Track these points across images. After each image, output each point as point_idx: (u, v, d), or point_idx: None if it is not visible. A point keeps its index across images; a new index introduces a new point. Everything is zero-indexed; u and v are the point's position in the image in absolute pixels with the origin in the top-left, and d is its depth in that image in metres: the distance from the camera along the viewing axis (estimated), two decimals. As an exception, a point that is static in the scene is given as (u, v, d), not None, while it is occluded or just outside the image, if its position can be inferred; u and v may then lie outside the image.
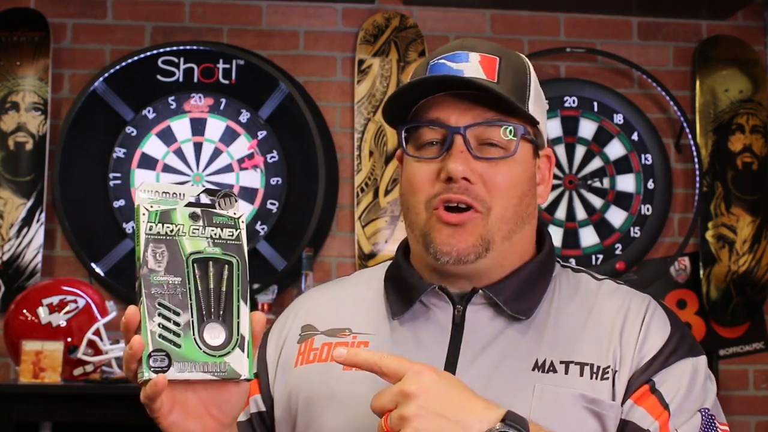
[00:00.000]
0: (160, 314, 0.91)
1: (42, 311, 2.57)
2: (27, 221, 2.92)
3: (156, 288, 0.92)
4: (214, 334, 0.92)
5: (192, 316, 0.92)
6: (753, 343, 3.11)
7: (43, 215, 2.93)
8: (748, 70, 3.18)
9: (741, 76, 3.18)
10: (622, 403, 1.05)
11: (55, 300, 2.59)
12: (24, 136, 2.96)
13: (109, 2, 3.09)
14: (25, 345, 2.51)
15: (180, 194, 0.97)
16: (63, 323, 2.57)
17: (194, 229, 0.95)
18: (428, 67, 1.13)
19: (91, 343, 2.55)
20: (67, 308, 2.58)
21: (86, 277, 2.92)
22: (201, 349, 0.91)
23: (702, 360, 1.09)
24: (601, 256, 3.08)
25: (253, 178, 3.01)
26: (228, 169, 3.01)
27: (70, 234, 2.93)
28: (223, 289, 0.94)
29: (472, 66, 1.10)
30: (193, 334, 0.91)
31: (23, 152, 2.96)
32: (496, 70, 1.10)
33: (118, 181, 2.98)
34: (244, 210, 0.99)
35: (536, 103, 1.13)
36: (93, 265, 2.92)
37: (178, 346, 0.90)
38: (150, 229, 0.93)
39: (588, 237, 3.09)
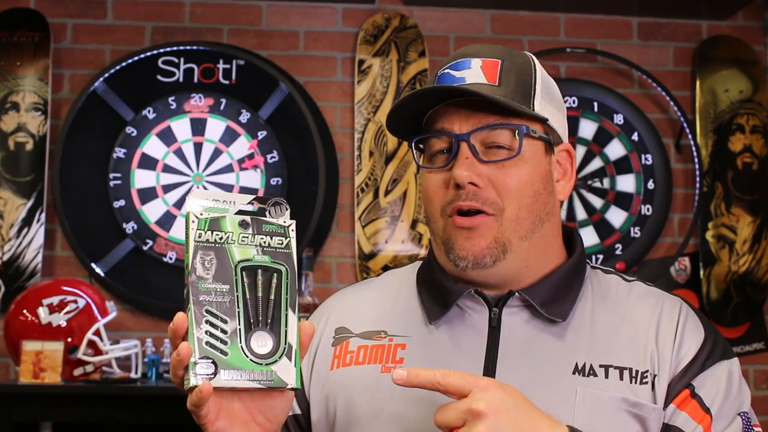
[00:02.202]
0: (207, 321, 0.90)
1: (42, 311, 2.57)
2: (27, 221, 2.92)
3: (204, 295, 0.91)
4: (262, 343, 0.92)
5: (239, 324, 0.91)
6: (753, 343, 3.11)
7: (43, 215, 2.93)
8: (748, 70, 3.19)
9: (741, 76, 3.18)
10: (664, 407, 1.06)
11: (55, 300, 2.59)
12: (24, 136, 2.96)
13: (109, 2, 3.09)
14: (25, 345, 2.51)
15: (231, 201, 0.96)
16: (63, 323, 2.57)
17: (243, 236, 0.94)
18: (436, 78, 1.15)
19: (92, 344, 2.55)
20: (67, 308, 2.58)
21: (86, 277, 2.92)
22: (248, 357, 0.91)
23: (735, 362, 1.11)
24: (601, 257, 3.08)
25: (253, 179, 3.01)
26: (228, 169, 3.01)
27: (70, 234, 2.93)
28: (272, 297, 0.94)
29: (473, 72, 1.12)
30: (240, 342, 0.91)
31: (23, 152, 2.96)
32: (497, 72, 1.12)
33: (118, 182, 2.97)
34: (294, 219, 0.99)
35: (545, 100, 1.14)
36: (93, 265, 2.92)
37: (225, 353, 0.90)
38: (199, 237, 0.93)
39: (588, 237, 3.09)
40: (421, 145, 1.16)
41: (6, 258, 2.90)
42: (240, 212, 0.96)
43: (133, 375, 2.59)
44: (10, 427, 2.46)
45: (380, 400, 1.10)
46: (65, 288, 2.64)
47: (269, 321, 0.93)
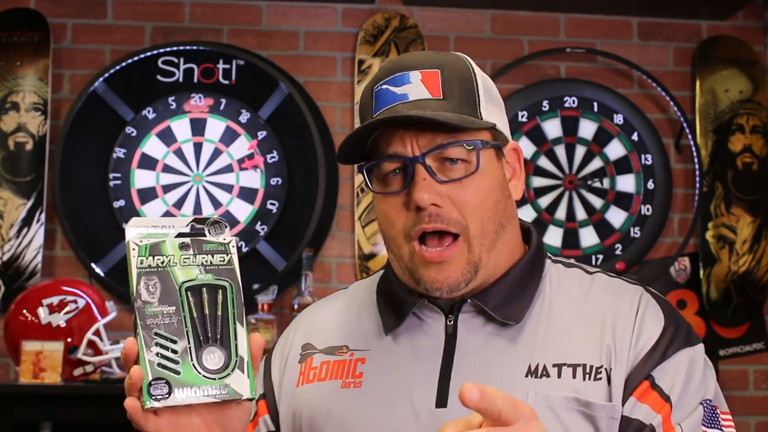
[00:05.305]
0: (157, 344, 0.93)
1: (42, 311, 2.57)
2: (27, 221, 2.92)
3: (151, 319, 0.93)
4: (213, 358, 0.94)
5: (189, 343, 0.94)
6: (753, 343, 3.11)
7: (43, 215, 2.92)
8: (748, 70, 3.18)
9: (741, 76, 3.18)
10: (624, 400, 1.04)
11: (55, 300, 2.58)
12: (24, 137, 2.96)
13: (109, 2, 3.09)
14: (25, 345, 2.51)
15: (169, 226, 0.99)
16: (63, 323, 2.57)
17: (185, 258, 0.97)
18: (373, 95, 1.12)
19: (91, 344, 2.55)
20: (67, 308, 2.58)
21: (86, 277, 2.92)
22: (200, 373, 0.93)
23: (699, 349, 1.09)
24: (601, 257, 3.08)
25: (253, 179, 3.01)
26: (228, 169, 3.01)
27: (70, 234, 2.93)
28: (219, 313, 0.96)
29: (414, 87, 1.09)
30: (192, 360, 0.93)
31: (23, 152, 2.96)
32: (439, 84, 1.09)
33: (118, 182, 2.98)
34: (233, 236, 1.00)
35: (489, 104, 1.12)
36: (93, 265, 2.92)
37: (178, 372, 0.92)
38: (141, 263, 0.95)
39: (588, 237, 3.09)
40: (368, 172, 1.13)
41: (6, 258, 2.90)
42: (180, 235, 0.98)
43: (133, 375, 2.59)
44: (10, 427, 2.46)
45: (341, 415, 1.11)
46: (65, 288, 2.64)
47: (219, 337, 0.95)
